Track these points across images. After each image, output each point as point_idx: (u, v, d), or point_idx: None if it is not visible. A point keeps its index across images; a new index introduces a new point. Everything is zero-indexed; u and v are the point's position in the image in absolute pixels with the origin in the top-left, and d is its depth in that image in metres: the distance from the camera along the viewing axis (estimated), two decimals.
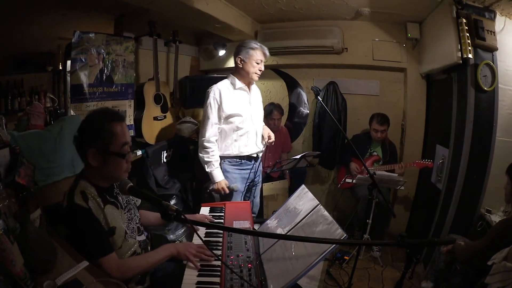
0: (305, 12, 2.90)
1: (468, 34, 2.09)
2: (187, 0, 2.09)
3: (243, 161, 2.18)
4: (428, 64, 2.78)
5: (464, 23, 2.09)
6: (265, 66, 2.16)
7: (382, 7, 2.68)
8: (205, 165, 2.10)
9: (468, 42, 2.08)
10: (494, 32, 2.17)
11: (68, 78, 2.07)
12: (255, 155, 2.21)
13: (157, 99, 2.62)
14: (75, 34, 1.99)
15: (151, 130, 2.57)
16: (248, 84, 2.15)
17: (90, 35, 2.09)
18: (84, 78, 2.08)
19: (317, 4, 2.69)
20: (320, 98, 2.15)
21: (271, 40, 3.12)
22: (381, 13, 2.78)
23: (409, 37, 2.89)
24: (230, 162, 2.16)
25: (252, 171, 2.22)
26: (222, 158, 2.14)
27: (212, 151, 2.07)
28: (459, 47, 2.12)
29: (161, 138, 2.65)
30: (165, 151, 2.59)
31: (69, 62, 2.07)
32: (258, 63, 2.04)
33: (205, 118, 2.07)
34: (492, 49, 2.18)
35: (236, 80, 2.10)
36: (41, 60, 2.15)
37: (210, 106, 2.05)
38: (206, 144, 2.06)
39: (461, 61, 2.15)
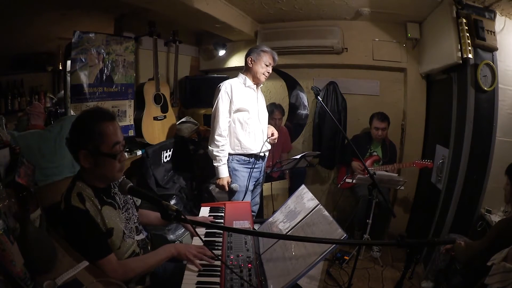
0: (305, 12, 2.90)
1: (468, 34, 2.09)
2: (187, 0, 2.10)
3: (251, 159, 2.20)
4: (428, 64, 2.78)
5: (464, 23, 2.10)
6: None
7: (382, 7, 2.68)
8: (213, 159, 2.12)
9: (468, 42, 2.08)
10: (494, 32, 2.18)
11: (68, 78, 2.07)
12: (262, 154, 2.23)
13: (157, 99, 2.62)
14: (75, 34, 2.00)
15: (151, 130, 2.57)
16: (256, 85, 2.21)
17: (90, 35, 2.09)
18: (84, 78, 2.09)
19: (317, 4, 2.69)
20: (320, 98, 2.16)
21: (271, 40, 3.11)
22: (381, 13, 2.78)
23: (409, 37, 2.90)
24: (238, 161, 2.19)
25: (258, 170, 2.25)
26: (230, 155, 2.17)
27: (222, 146, 2.09)
28: (459, 47, 2.13)
29: (161, 138, 2.65)
30: (165, 151, 2.59)
31: (69, 62, 2.08)
32: (267, 65, 2.13)
33: (216, 111, 2.10)
34: (492, 49, 2.18)
35: (247, 78, 2.16)
36: (41, 60, 2.16)
37: (222, 99, 2.08)
38: (217, 137, 2.08)
39: (461, 61, 2.15)
